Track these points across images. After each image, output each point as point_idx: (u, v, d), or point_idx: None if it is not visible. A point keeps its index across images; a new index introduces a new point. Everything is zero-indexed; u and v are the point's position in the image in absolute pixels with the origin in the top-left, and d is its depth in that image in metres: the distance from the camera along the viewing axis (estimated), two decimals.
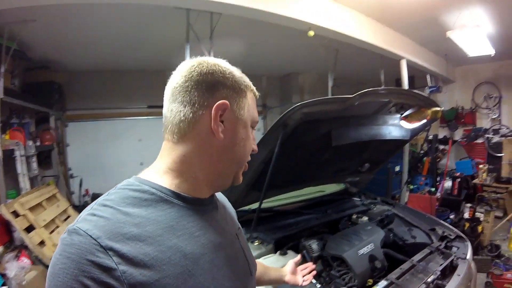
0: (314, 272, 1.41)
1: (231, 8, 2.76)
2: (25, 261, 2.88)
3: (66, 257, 0.54)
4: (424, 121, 2.41)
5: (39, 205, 3.57)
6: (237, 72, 0.77)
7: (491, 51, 4.92)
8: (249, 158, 0.82)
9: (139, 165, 6.54)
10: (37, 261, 3.05)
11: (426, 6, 3.80)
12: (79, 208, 5.31)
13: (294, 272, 1.35)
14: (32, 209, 3.34)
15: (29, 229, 3.16)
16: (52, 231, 3.48)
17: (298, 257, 1.44)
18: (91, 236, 0.56)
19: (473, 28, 4.02)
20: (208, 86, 0.71)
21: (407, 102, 2.25)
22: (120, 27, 3.84)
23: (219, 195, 0.93)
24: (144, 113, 6.62)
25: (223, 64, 0.76)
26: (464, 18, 4.00)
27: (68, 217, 4.13)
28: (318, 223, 2.53)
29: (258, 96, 0.83)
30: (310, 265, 1.43)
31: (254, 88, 0.81)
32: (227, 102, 0.71)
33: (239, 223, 0.96)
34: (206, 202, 0.77)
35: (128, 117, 6.53)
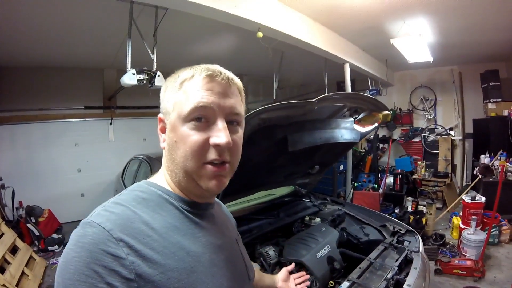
0: (308, 283, 1.43)
1: (177, 3, 2.60)
2: None
3: (80, 246, 0.59)
4: (376, 124, 2.48)
5: None
6: (177, 73, 0.77)
7: (430, 58, 5.29)
8: (212, 158, 0.70)
9: (76, 172, 6.15)
10: None
11: (373, 14, 3.97)
12: (12, 224, 4.77)
13: (286, 280, 1.37)
14: None
15: None
16: None
17: (292, 265, 1.49)
18: (104, 228, 0.61)
19: (416, 36, 4.30)
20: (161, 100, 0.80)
21: (360, 106, 2.28)
22: (55, 19, 3.47)
23: (220, 203, 1.02)
24: (81, 115, 6.20)
25: (177, 71, 0.78)
26: (408, 27, 4.25)
27: (2, 234, 3.68)
28: (272, 228, 2.46)
29: (210, 73, 0.72)
30: (303, 274, 1.46)
31: (199, 71, 0.73)
32: (159, 116, 0.79)
33: (238, 232, 1.03)
34: (206, 207, 0.82)
35: (63, 119, 6.04)
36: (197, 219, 0.77)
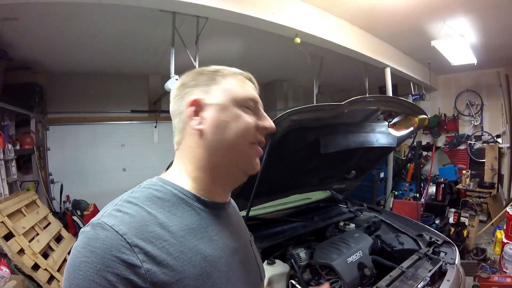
0: None
1: (217, 12, 2.73)
2: (4, 270, 2.75)
3: (90, 251, 0.55)
4: (411, 128, 2.42)
5: (18, 211, 3.46)
6: (211, 68, 0.81)
7: (474, 60, 5.03)
8: (258, 139, 0.77)
9: (121, 171, 6.45)
10: (16, 270, 2.94)
11: (411, 16, 3.87)
12: (59, 215, 5.15)
13: None
14: (10, 215, 3.23)
15: (7, 236, 3.04)
16: (32, 239, 3.35)
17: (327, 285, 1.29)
18: (117, 232, 0.56)
19: (457, 37, 4.13)
20: (181, 95, 0.78)
21: (395, 110, 2.24)
22: (104, 29, 3.76)
23: (233, 203, 0.96)
24: (127, 118, 6.54)
25: (197, 70, 0.81)
26: (449, 28, 4.09)
27: (48, 224, 3.98)
28: (305, 231, 2.48)
29: (248, 76, 0.83)
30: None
31: (238, 72, 0.82)
32: (196, 98, 0.75)
33: (250, 232, 0.98)
34: (223, 206, 0.80)
35: (111, 121, 6.42)
36: (214, 219, 0.74)
